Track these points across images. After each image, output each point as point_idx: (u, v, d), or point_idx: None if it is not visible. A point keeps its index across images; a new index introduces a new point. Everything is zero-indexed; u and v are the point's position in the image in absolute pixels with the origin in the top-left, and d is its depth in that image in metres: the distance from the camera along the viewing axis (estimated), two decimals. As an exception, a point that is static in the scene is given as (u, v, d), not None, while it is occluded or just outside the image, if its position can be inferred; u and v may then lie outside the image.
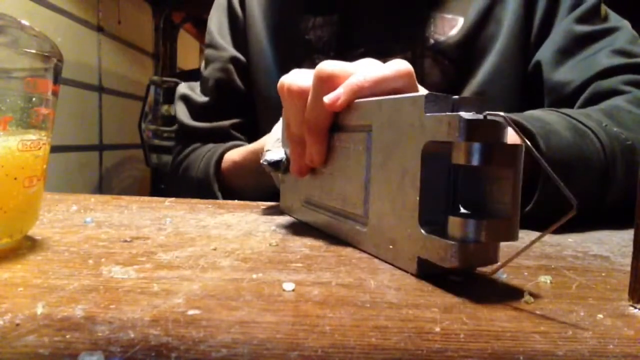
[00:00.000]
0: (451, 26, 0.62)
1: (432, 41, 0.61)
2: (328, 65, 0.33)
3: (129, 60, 1.82)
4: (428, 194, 0.25)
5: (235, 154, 0.63)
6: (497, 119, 0.23)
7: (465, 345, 0.17)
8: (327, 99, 0.32)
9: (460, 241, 0.23)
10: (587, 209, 0.37)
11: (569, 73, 0.57)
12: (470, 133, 0.22)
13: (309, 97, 0.34)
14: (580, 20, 0.59)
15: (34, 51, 0.27)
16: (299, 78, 0.35)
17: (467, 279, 0.25)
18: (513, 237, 0.23)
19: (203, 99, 0.71)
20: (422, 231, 0.25)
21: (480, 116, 0.23)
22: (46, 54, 0.28)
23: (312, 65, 0.64)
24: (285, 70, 0.68)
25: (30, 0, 1.23)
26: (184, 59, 2.26)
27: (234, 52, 0.70)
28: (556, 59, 0.58)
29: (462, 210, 0.25)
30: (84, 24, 1.49)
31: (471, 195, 0.25)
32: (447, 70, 0.61)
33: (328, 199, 0.35)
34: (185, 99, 0.72)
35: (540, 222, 0.36)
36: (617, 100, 0.52)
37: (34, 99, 0.27)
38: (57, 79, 0.29)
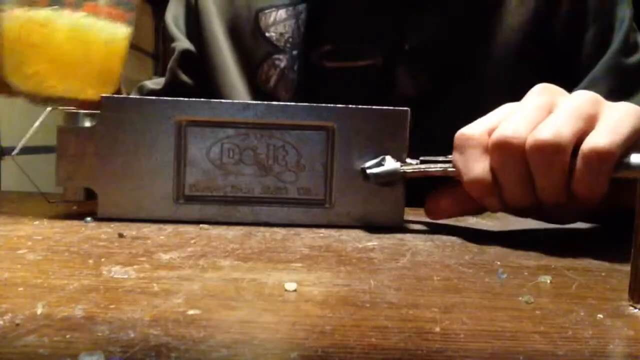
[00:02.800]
0: (430, 29, 0.55)
1: (406, 47, 0.54)
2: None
3: (129, 60, 1.82)
4: None
5: None
6: None
7: (465, 345, 0.17)
8: None
9: None
10: None
11: None
12: None
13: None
14: (625, 51, 0.51)
15: None
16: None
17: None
18: None
19: (155, 86, 0.65)
20: None
21: None
22: None
23: (272, 67, 0.58)
24: (246, 72, 0.60)
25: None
26: (184, 59, 2.26)
27: (186, 45, 0.63)
28: (613, 99, 0.51)
29: None
30: (84, 24, 1.49)
31: None
32: (422, 80, 0.54)
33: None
34: (140, 87, 0.66)
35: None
36: None
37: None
38: None
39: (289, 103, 0.37)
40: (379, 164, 0.36)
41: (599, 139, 0.30)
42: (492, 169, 0.33)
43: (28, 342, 0.16)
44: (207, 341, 0.17)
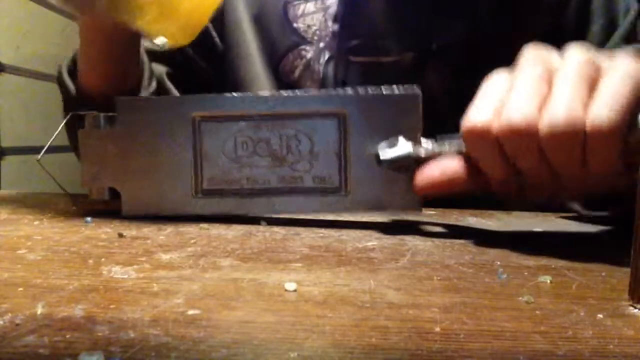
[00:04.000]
0: (457, 29, 0.55)
1: (434, 46, 0.55)
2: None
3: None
4: None
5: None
6: None
7: (465, 345, 0.17)
8: None
9: None
10: None
11: None
12: None
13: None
14: (629, 40, 0.52)
15: None
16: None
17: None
18: None
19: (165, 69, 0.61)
20: None
21: None
22: None
23: (298, 57, 0.58)
24: (270, 61, 0.60)
25: (31, 0, 1.23)
26: (184, 59, 2.25)
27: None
28: None
29: None
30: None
31: None
32: (448, 79, 0.55)
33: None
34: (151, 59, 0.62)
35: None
36: None
37: None
38: None
39: (298, 93, 0.37)
40: (392, 144, 0.36)
41: (601, 114, 0.30)
42: (509, 157, 0.32)
43: (28, 342, 0.16)
44: (207, 341, 0.17)
